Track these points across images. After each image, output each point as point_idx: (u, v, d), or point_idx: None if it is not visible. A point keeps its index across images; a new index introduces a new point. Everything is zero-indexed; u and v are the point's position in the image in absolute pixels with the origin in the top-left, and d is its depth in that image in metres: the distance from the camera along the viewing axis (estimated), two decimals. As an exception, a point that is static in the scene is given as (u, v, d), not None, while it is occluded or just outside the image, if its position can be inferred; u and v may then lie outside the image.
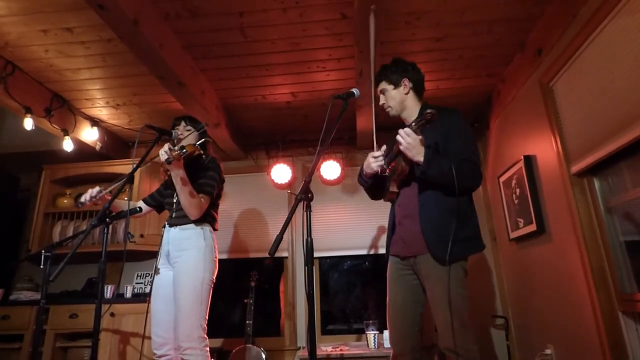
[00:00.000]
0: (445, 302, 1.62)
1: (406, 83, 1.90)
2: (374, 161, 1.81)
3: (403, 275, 1.83)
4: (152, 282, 2.15)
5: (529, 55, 2.56)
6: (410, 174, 1.77)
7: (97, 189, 2.06)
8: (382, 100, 1.95)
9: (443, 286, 1.63)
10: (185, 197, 1.96)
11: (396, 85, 1.90)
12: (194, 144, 2.10)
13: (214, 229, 2.19)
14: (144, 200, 2.37)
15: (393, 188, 1.85)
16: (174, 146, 1.89)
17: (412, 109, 1.91)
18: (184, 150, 1.86)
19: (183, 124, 2.22)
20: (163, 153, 1.83)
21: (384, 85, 1.93)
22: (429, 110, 1.56)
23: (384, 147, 1.86)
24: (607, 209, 2.08)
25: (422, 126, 1.62)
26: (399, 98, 1.90)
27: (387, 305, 1.87)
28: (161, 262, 2.12)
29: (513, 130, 2.93)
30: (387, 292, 1.89)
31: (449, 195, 1.68)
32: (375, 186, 1.98)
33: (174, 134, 2.15)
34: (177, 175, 1.92)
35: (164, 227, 2.16)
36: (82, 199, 2.05)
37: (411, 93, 1.91)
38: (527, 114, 2.68)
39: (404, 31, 2.43)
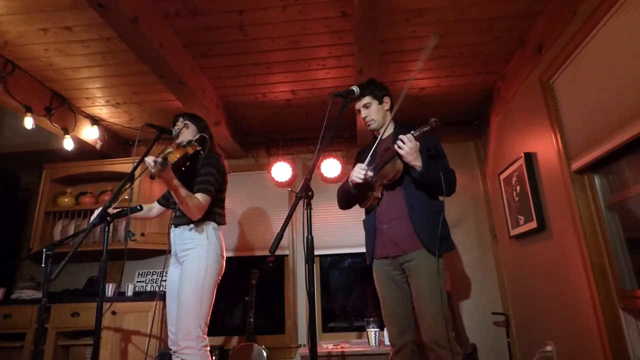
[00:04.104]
0: (437, 293, 1.76)
1: (387, 100, 2.07)
2: (361, 171, 1.90)
3: (392, 277, 1.96)
4: (165, 282, 2.16)
5: (529, 53, 2.55)
6: (400, 178, 1.90)
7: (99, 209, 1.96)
8: (364, 114, 2.05)
9: (434, 278, 1.79)
10: (180, 202, 1.94)
11: (380, 101, 2.04)
12: (184, 144, 2.08)
13: (220, 224, 2.17)
14: (158, 201, 2.38)
15: (377, 194, 1.97)
16: (158, 157, 1.82)
17: (388, 124, 2.06)
18: (166, 163, 1.80)
19: (181, 119, 2.23)
20: (149, 168, 1.78)
21: (369, 99, 2.03)
22: (434, 119, 1.70)
23: (367, 160, 1.95)
24: (608, 205, 2.08)
25: (425, 134, 1.75)
26: (382, 113, 2.05)
27: (382, 307, 1.99)
28: (172, 261, 2.15)
29: (513, 127, 2.93)
30: (379, 295, 2.01)
31: (432, 198, 1.91)
32: (355, 195, 2.07)
33: (174, 132, 2.16)
34: (167, 183, 1.88)
35: (170, 227, 2.16)
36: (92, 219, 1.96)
37: (389, 110, 2.07)
38: (528, 111, 2.68)
39: (404, 28, 2.43)
